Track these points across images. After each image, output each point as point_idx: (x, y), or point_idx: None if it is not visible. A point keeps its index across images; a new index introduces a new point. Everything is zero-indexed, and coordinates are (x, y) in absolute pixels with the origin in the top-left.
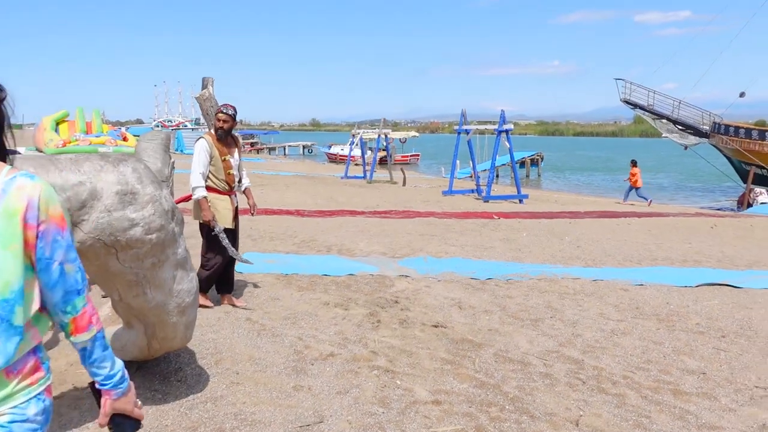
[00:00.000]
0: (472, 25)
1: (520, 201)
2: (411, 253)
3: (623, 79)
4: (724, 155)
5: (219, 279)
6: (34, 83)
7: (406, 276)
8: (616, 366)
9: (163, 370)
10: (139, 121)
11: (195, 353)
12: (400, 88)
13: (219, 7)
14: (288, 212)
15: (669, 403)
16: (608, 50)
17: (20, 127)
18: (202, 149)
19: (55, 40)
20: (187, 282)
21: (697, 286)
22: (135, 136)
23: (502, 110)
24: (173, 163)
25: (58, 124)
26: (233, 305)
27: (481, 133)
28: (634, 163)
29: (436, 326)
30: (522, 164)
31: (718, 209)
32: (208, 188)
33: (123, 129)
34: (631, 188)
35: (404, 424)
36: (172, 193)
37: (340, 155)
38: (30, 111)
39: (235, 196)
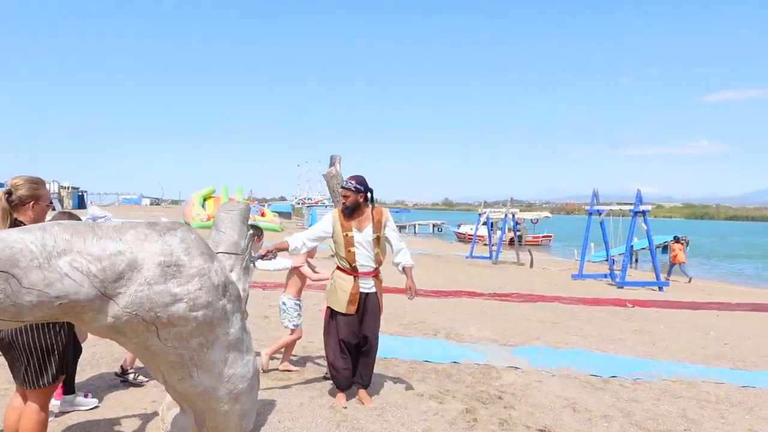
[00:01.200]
0: (612, 103)
1: (660, 288)
2: (526, 341)
3: None
4: None
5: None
6: (190, 163)
7: (516, 368)
8: None
9: None
10: (282, 198)
11: None
12: (535, 168)
13: (359, 89)
14: (401, 291)
15: None
16: (760, 129)
17: (177, 202)
18: (323, 220)
19: (207, 121)
20: (242, 366)
21: None
22: (275, 212)
23: (638, 189)
24: (251, 235)
25: (205, 199)
26: (362, 402)
27: (615, 215)
28: (676, 240)
29: (542, 431)
30: (665, 249)
31: None
32: (338, 267)
33: (262, 206)
34: (672, 264)
35: None
36: (248, 268)
37: (469, 234)
38: (187, 188)
39: (370, 279)
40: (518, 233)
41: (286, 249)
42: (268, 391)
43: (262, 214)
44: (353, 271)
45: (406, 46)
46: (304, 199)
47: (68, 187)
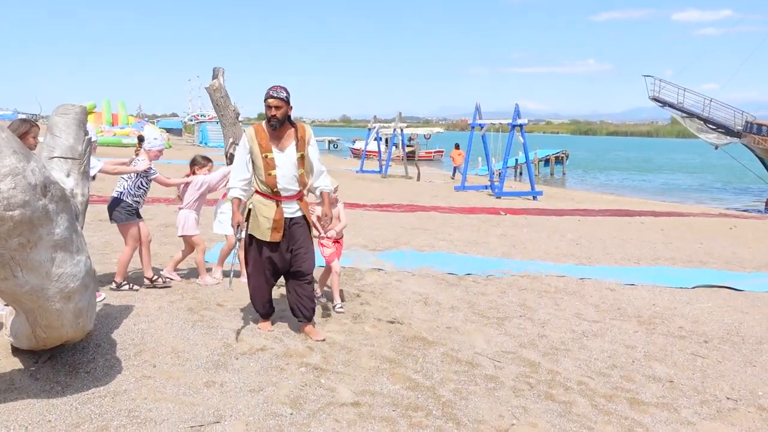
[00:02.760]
0: (504, 24)
1: (534, 198)
2: (394, 246)
3: (652, 76)
4: (756, 155)
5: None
6: (64, 72)
7: (380, 269)
8: (574, 370)
9: (75, 361)
10: (174, 115)
11: (117, 343)
12: (433, 86)
13: None
14: None
15: (621, 414)
16: (645, 49)
17: (46, 117)
18: (240, 145)
19: (91, 25)
20: (72, 266)
21: (693, 288)
22: (164, 129)
23: (516, 104)
24: (89, 139)
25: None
26: (310, 336)
27: (496, 129)
28: (456, 146)
29: (392, 322)
30: (547, 162)
31: (744, 210)
32: (256, 191)
33: (148, 122)
34: (455, 168)
35: (309, 427)
36: (87, 173)
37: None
38: (59, 101)
39: (294, 202)
40: (411, 148)
41: (237, 196)
42: (127, 298)
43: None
44: (275, 195)
45: None
46: (197, 115)
47: None
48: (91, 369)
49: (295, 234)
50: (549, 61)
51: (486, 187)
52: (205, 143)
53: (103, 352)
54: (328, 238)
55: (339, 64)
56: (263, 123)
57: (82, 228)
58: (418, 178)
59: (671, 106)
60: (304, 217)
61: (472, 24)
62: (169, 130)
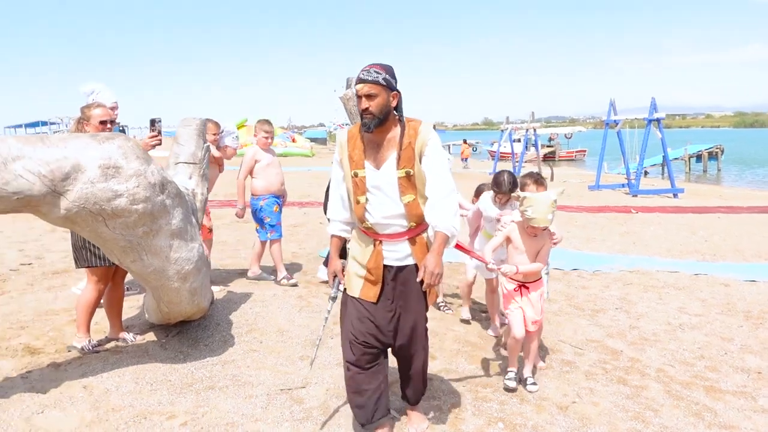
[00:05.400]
0: (657, 11)
1: (675, 195)
2: None
3: None
4: None
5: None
6: (229, 93)
7: None
8: (657, 359)
9: (197, 336)
10: (321, 125)
11: (233, 323)
12: (580, 82)
13: (399, 6)
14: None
15: (692, 399)
16: None
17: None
18: (334, 158)
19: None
20: (187, 251)
21: None
22: (310, 138)
23: (652, 98)
24: (207, 147)
25: (238, 128)
26: (410, 426)
27: (632, 125)
28: (464, 141)
29: (484, 312)
30: (699, 158)
31: None
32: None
33: (292, 132)
34: (464, 159)
35: None
36: (206, 175)
37: (501, 153)
38: (226, 118)
39: (402, 243)
40: (552, 148)
41: (335, 234)
42: (249, 286)
43: (293, 140)
44: (371, 233)
45: None
46: (342, 124)
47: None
48: (209, 342)
49: (405, 292)
50: (707, 48)
51: (622, 186)
52: None
53: (220, 329)
54: (507, 277)
55: (479, 65)
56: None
57: (199, 222)
58: (552, 178)
59: None
60: (416, 267)
61: (626, 14)
62: (314, 140)
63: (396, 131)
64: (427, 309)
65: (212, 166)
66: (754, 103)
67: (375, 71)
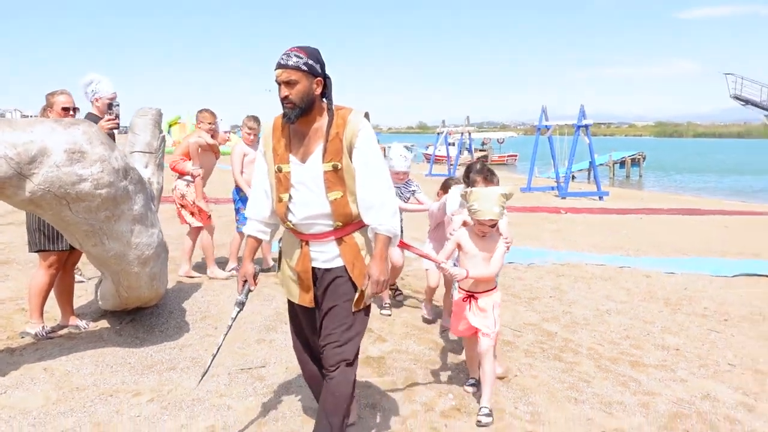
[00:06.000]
0: (589, 26)
1: (600, 198)
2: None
3: (733, 74)
4: None
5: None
6: (154, 88)
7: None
8: (588, 339)
9: (151, 323)
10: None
11: (186, 311)
12: (513, 89)
13: (332, 6)
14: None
15: (620, 372)
16: (738, 47)
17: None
18: (258, 150)
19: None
20: (147, 236)
21: (733, 276)
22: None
23: (581, 105)
24: (163, 137)
25: (170, 126)
26: None
27: (561, 132)
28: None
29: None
30: (622, 164)
31: None
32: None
33: (226, 132)
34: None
35: None
36: (161, 165)
37: (437, 155)
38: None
39: (329, 244)
40: (484, 152)
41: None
42: (199, 277)
43: (228, 139)
44: (296, 233)
45: None
46: None
47: None
48: (164, 329)
49: (334, 296)
50: (634, 62)
51: (552, 189)
52: None
53: (174, 317)
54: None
55: (415, 71)
56: None
57: (156, 210)
58: None
59: (754, 104)
60: (345, 269)
61: (560, 26)
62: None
63: (323, 121)
64: (353, 315)
65: (208, 153)
66: (673, 114)
67: (295, 55)
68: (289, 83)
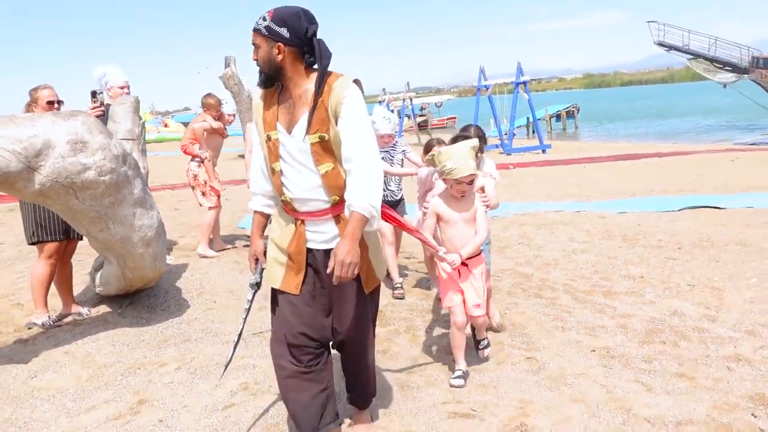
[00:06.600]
0: None
1: (543, 151)
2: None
3: (656, 21)
4: (765, 89)
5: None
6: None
7: None
8: (561, 277)
9: (151, 303)
10: (187, 109)
11: (181, 289)
12: (442, 54)
13: None
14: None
15: (596, 302)
16: None
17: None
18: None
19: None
20: (148, 218)
21: (679, 210)
22: (181, 122)
23: (518, 62)
24: (143, 123)
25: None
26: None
27: (501, 90)
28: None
29: (407, 258)
30: (558, 118)
31: (752, 144)
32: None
33: (164, 117)
34: None
35: None
36: (144, 150)
37: None
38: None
39: (327, 223)
40: (423, 117)
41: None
42: (181, 258)
43: (165, 125)
44: (291, 210)
45: None
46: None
47: None
48: (166, 307)
49: (330, 277)
50: (560, 15)
51: (496, 147)
52: None
53: (172, 295)
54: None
55: (349, 37)
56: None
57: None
58: None
59: (677, 49)
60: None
61: None
62: (185, 124)
63: (307, 86)
64: (370, 295)
65: (215, 135)
66: (600, 65)
67: (263, 17)
68: (254, 46)
